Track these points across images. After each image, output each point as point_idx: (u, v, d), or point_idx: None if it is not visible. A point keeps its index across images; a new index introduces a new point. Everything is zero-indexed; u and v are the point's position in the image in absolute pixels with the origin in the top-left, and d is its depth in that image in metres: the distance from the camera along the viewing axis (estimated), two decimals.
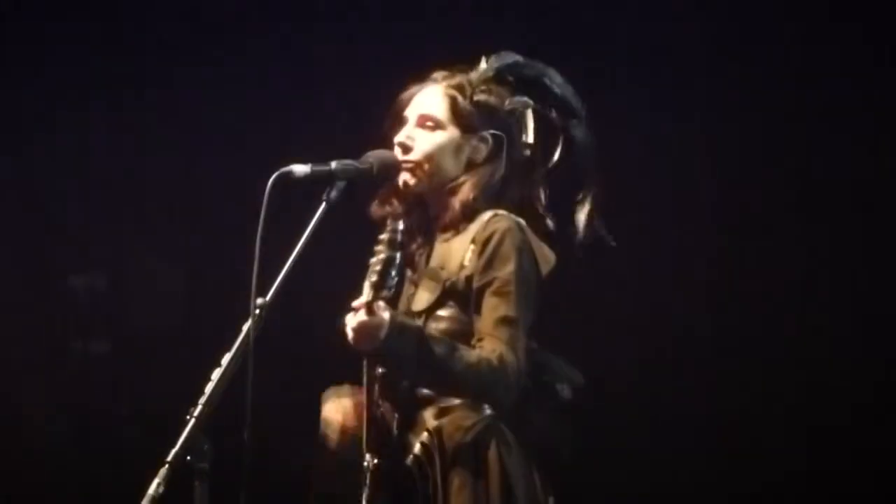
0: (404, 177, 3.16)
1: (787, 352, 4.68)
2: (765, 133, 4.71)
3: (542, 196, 3.24)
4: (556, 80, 3.27)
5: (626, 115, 4.52)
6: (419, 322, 3.07)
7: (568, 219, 3.22)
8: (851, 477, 4.60)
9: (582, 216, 3.22)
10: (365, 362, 3.03)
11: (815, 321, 4.66)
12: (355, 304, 2.89)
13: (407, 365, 2.96)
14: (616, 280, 4.65)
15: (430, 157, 3.17)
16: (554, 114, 3.25)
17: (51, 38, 5.07)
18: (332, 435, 3.10)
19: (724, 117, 4.73)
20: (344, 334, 2.92)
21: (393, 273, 2.89)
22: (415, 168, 3.16)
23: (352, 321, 2.89)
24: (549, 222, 3.21)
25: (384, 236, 2.92)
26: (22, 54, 5.06)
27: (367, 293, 2.88)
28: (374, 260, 2.91)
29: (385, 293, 2.89)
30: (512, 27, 4.68)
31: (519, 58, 3.29)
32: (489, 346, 2.99)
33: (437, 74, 3.26)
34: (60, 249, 5.21)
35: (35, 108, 5.05)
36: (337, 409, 3.12)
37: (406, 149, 3.17)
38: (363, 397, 3.05)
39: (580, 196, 3.24)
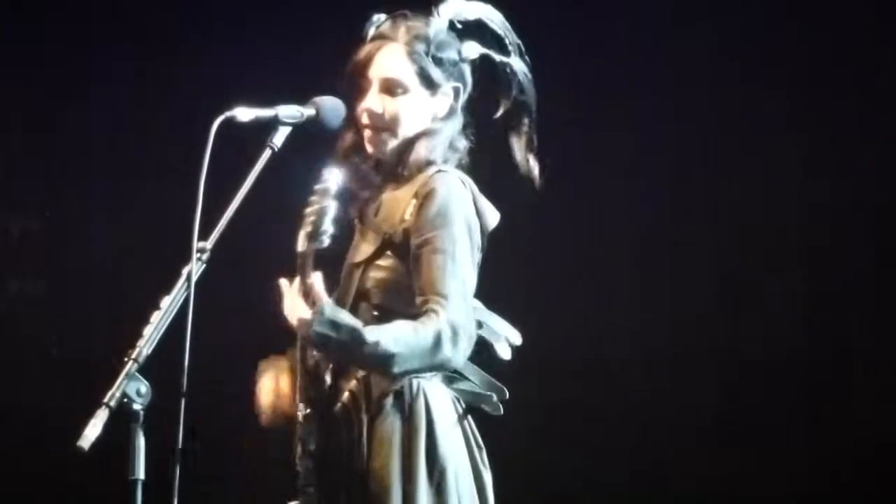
0: (369, 146, 3.17)
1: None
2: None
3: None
4: (495, 19, 3.26)
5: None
6: (357, 273, 3.10)
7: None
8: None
9: (517, 144, 3.24)
10: None
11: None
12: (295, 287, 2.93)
13: (340, 356, 3.00)
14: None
15: (399, 124, 3.17)
16: (497, 57, 3.25)
17: None
18: (264, 415, 3.15)
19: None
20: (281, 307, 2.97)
21: (326, 223, 2.90)
22: (380, 135, 3.16)
23: (287, 303, 2.94)
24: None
25: (318, 186, 2.93)
26: None
27: (301, 243, 2.90)
28: (308, 210, 2.92)
29: (318, 243, 2.91)
30: None
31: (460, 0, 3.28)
32: (432, 308, 2.99)
33: (392, 30, 3.21)
34: None
35: None
36: (270, 389, 3.16)
37: (375, 116, 3.17)
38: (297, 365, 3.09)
39: (515, 121, 3.24)
